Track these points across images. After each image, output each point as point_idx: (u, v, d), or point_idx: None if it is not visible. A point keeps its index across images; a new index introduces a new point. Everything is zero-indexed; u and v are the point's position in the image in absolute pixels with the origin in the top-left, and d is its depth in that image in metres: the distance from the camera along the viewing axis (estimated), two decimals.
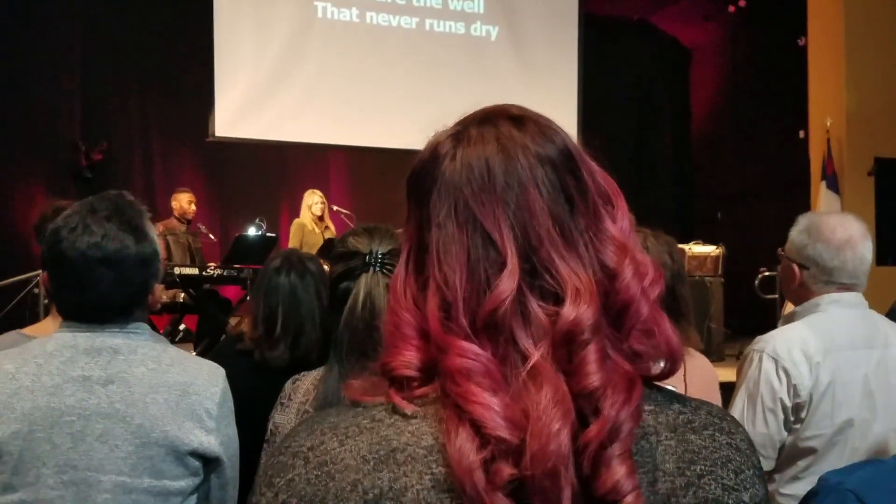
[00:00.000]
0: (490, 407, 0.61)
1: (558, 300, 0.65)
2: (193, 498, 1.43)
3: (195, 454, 1.40)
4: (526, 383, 0.62)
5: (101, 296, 1.41)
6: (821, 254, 1.94)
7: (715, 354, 6.15)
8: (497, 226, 0.67)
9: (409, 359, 0.67)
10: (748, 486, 0.68)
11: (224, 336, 2.24)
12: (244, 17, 7.89)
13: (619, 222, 0.71)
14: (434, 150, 0.72)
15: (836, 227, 1.95)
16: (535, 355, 0.63)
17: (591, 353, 0.63)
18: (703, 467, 0.67)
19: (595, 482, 0.61)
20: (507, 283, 0.64)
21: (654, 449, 0.66)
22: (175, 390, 1.40)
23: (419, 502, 0.62)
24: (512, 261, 0.65)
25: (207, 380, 1.46)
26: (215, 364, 1.53)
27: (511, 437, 0.60)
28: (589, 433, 0.61)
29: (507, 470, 0.59)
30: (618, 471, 0.61)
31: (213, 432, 1.42)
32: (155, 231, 1.50)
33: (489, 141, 0.70)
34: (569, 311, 0.64)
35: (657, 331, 0.69)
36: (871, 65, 7.28)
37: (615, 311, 0.67)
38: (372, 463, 0.64)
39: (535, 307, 0.65)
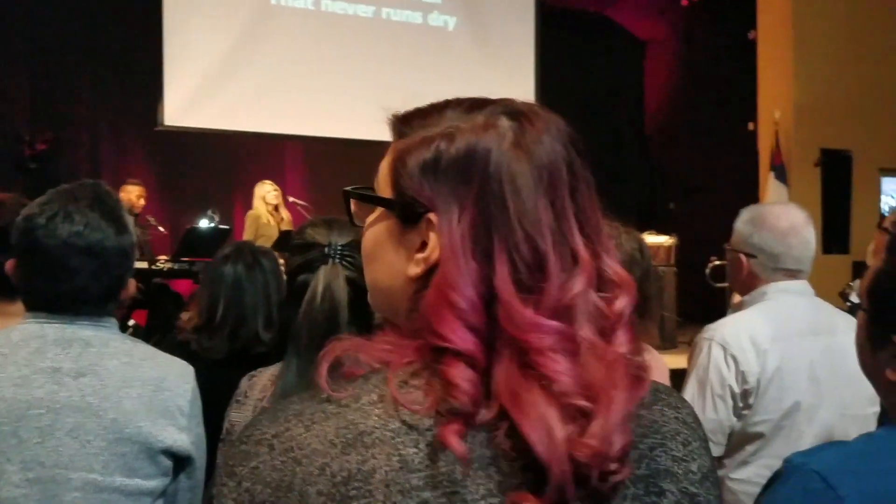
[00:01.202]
0: (572, 378, 0.64)
1: (600, 287, 0.71)
2: (162, 501, 1.38)
3: (168, 452, 1.36)
4: (592, 360, 0.66)
5: (78, 286, 1.36)
6: (766, 241, 1.99)
7: (668, 342, 6.26)
8: (567, 217, 0.70)
9: (463, 338, 0.66)
10: (696, 457, 0.72)
11: (175, 331, 2.18)
12: (195, 3, 7.73)
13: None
14: (490, 134, 0.71)
15: (780, 215, 2.01)
16: (594, 337, 0.68)
17: (628, 335, 0.70)
18: (654, 440, 0.71)
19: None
20: (585, 277, 0.69)
21: None
22: (149, 385, 1.36)
23: (388, 483, 0.62)
24: (583, 253, 0.70)
25: (179, 377, 1.42)
26: (184, 361, 1.49)
27: (588, 406, 0.64)
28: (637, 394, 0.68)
29: (589, 440, 0.62)
30: (625, 436, 0.65)
31: (186, 430, 1.38)
32: (132, 223, 1.46)
33: (549, 129, 0.73)
34: (623, 300, 0.71)
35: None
36: (819, 59, 7.45)
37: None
38: (339, 446, 0.64)
39: (594, 296, 0.70)
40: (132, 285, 1.51)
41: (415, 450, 0.63)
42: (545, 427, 0.62)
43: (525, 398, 0.63)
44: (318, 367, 0.69)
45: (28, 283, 1.40)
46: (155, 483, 1.35)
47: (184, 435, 1.38)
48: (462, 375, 0.65)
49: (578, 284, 0.68)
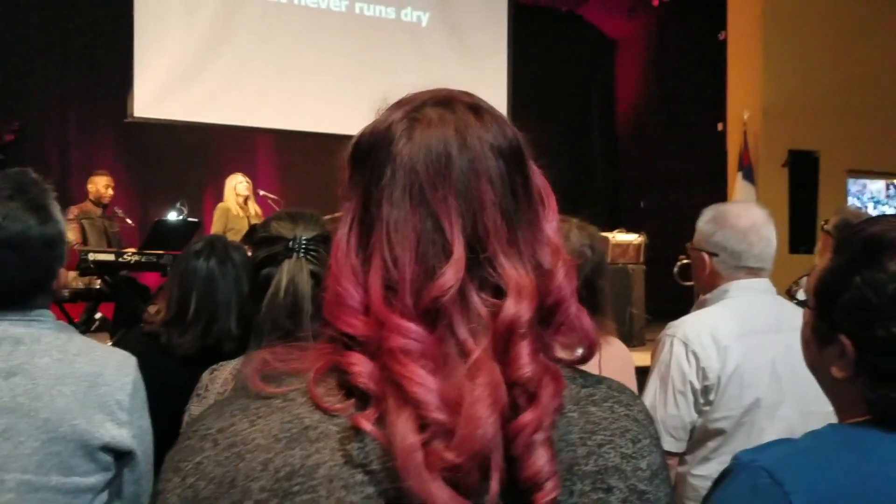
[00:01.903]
0: (430, 388, 0.62)
1: (497, 292, 0.67)
2: (105, 494, 1.36)
3: (107, 448, 1.33)
4: (462, 370, 0.64)
5: (3, 281, 1.32)
6: (728, 238, 2.01)
7: (636, 339, 6.30)
8: (448, 213, 0.68)
9: (353, 325, 0.66)
10: (645, 454, 0.72)
11: (142, 324, 2.14)
12: None
13: (552, 223, 0.74)
14: (389, 127, 0.71)
15: (741, 214, 2.04)
16: (474, 345, 0.65)
17: (525, 346, 0.65)
18: (603, 437, 0.70)
19: (521, 466, 0.63)
20: (453, 274, 0.66)
21: (559, 421, 0.69)
22: (83, 381, 1.33)
23: (331, 479, 0.62)
24: (458, 251, 0.66)
25: (118, 370, 1.38)
26: (126, 353, 1.46)
27: (446, 420, 0.61)
28: (523, 419, 0.63)
29: (443, 452, 0.60)
30: (542, 456, 0.63)
31: (126, 425, 1.36)
32: (60, 211, 1.40)
33: (448, 126, 0.71)
34: (511, 306, 0.66)
35: (579, 326, 0.72)
36: (787, 60, 7.54)
37: (547, 309, 0.70)
38: (283, 441, 0.63)
39: (476, 298, 0.67)
40: (64, 275, 1.46)
41: (359, 444, 0.63)
42: (399, 434, 0.60)
43: (389, 402, 0.63)
44: (248, 370, 0.69)
45: None
46: (94, 479, 1.33)
47: (123, 430, 1.35)
48: (357, 361, 0.65)
49: (441, 287, 0.65)
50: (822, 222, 3.50)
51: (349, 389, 0.65)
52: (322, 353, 0.68)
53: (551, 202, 0.75)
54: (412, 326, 0.64)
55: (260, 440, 0.64)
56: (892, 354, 0.92)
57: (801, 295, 1.09)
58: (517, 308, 0.66)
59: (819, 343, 1.02)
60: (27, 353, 1.32)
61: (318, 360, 0.67)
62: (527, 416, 0.63)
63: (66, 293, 5.68)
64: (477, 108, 0.74)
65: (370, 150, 0.72)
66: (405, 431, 0.60)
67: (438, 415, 0.61)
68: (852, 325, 0.95)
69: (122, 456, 1.37)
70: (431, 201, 0.68)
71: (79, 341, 1.41)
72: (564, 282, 0.71)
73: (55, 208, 1.39)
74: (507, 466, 0.62)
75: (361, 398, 0.64)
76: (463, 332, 0.65)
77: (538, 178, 0.75)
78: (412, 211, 0.68)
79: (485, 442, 0.61)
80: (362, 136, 0.74)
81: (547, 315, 0.70)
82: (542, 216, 0.73)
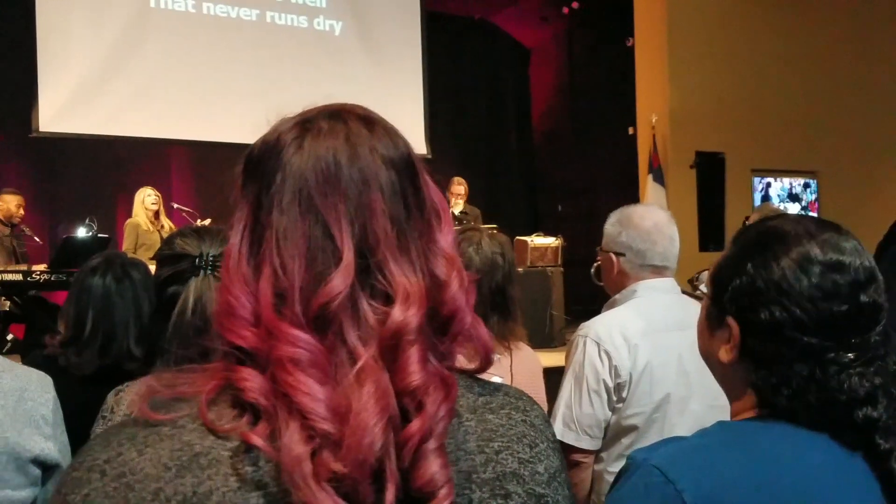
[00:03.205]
0: (317, 398, 0.61)
1: (388, 300, 0.67)
2: None
3: (36, 461, 1.34)
4: (351, 378, 0.63)
5: None
6: (633, 238, 2.07)
7: (557, 340, 6.41)
8: (337, 220, 0.67)
9: (244, 336, 0.65)
10: (542, 459, 0.73)
11: (42, 346, 2.07)
12: (70, 3, 7.39)
13: (447, 235, 0.74)
14: (279, 136, 0.72)
15: (644, 214, 2.10)
16: (363, 352, 0.65)
17: (414, 354, 0.65)
18: (500, 444, 0.71)
19: (412, 475, 0.63)
20: (341, 279, 0.65)
21: (456, 430, 0.70)
22: (11, 396, 1.33)
23: None
24: (348, 257, 0.66)
25: (39, 386, 1.40)
26: (42, 372, 1.46)
27: (333, 430, 0.61)
28: (411, 428, 0.63)
29: (331, 462, 0.60)
30: (434, 463, 0.63)
31: (52, 439, 1.37)
32: None
33: (338, 136, 0.71)
34: (398, 312, 0.66)
35: (475, 335, 0.73)
36: (692, 65, 7.80)
37: (442, 318, 0.70)
38: (174, 470, 0.62)
39: (366, 305, 0.67)
40: None
41: (253, 468, 0.62)
42: (286, 446, 0.60)
43: (279, 414, 0.62)
44: (136, 397, 0.67)
45: None
46: (25, 493, 1.33)
47: (50, 443, 1.37)
48: (248, 376, 0.64)
49: (329, 293, 0.65)
50: (745, 218, 3.63)
51: (242, 407, 0.64)
52: (213, 372, 0.67)
53: (446, 216, 0.76)
54: (301, 335, 0.64)
55: (149, 469, 0.62)
56: (770, 339, 0.96)
57: (703, 287, 1.14)
58: (404, 315, 0.66)
59: (710, 328, 1.06)
60: None
61: (209, 381, 0.66)
62: (414, 425, 0.63)
63: None
64: (368, 119, 0.74)
65: (261, 159, 0.72)
66: (292, 443, 0.60)
67: (325, 425, 0.61)
68: (739, 309, 0.99)
69: (48, 469, 1.38)
70: (321, 208, 0.68)
71: (0, 359, 1.41)
72: (459, 292, 0.71)
73: None
74: (402, 476, 0.62)
75: (254, 414, 0.64)
76: (353, 339, 0.65)
77: (433, 192, 0.76)
78: (301, 218, 0.68)
79: (372, 451, 0.61)
80: (254, 146, 0.74)
81: (442, 325, 0.70)
82: (435, 227, 0.74)
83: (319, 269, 0.66)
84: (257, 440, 0.62)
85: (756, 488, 0.89)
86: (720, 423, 1.00)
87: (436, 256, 0.72)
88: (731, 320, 1.00)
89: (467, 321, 0.71)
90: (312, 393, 0.62)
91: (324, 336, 0.65)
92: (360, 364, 0.64)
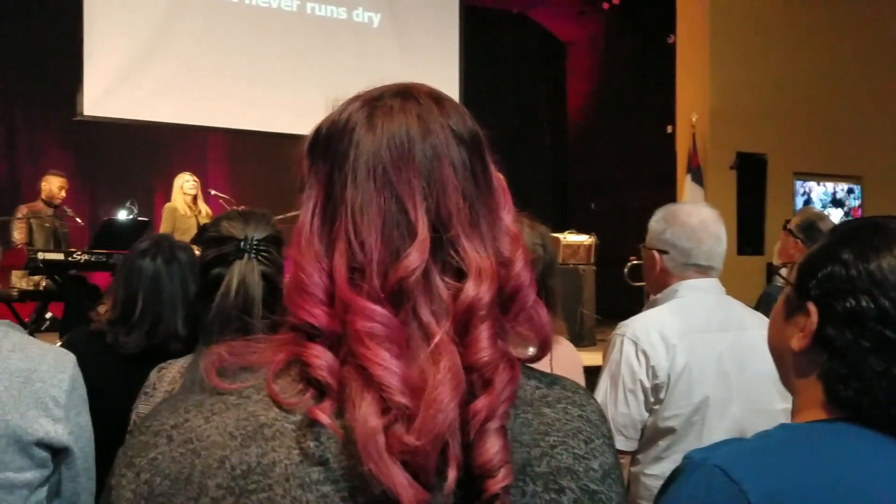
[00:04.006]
0: (393, 371, 0.62)
1: (459, 276, 0.68)
2: (43, 490, 1.36)
3: (41, 444, 1.33)
4: (426, 353, 0.64)
5: None
6: (678, 236, 2.03)
7: (587, 339, 6.36)
8: (411, 196, 0.68)
9: (315, 314, 0.66)
10: (597, 455, 0.73)
11: (88, 323, 2.12)
12: None
13: (510, 213, 0.75)
14: (349, 115, 0.72)
15: (691, 212, 2.06)
16: (437, 328, 0.65)
17: (485, 330, 0.66)
18: (555, 438, 0.71)
19: (473, 453, 0.63)
20: (418, 254, 0.66)
21: (513, 422, 0.69)
22: (17, 377, 1.32)
23: (288, 477, 0.62)
24: (423, 231, 0.67)
25: (53, 366, 1.38)
26: (63, 350, 1.45)
27: (409, 403, 0.61)
28: (478, 404, 0.64)
29: (403, 436, 0.60)
30: (495, 444, 0.63)
31: (62, 421, 1.35)
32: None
33: (410, 113, 0.71)
34: (471, 288, 0.66)
35: (536, 318, 0.72)
36: (734, 64, 7.69)
37: (506, 296, 0.70)
38: (239, 439, 0.63)
39: (438, 280, 0.67)
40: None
41: (316, 443, 0.63)
42: (361, 417, 0.61)
43: (352, 386, 0.63)
44: (206, 365, 0.68)
45: None
46: (29, 475, 1.32)
47: (59, 426, 1.35)
48: (318, 353, 0.65)
49: (406, 268, 0.65)
50: (785, 221, 3.59)
51: (307, 382, 0.65)
52: (282, 345, 0.67)
53: (507, 197, 0.76)
54: (378, 309, 0.64)
55: (216, 437, 0.63)
56: (850, 329, 0.95)
57: (783, 272, 1.13)
58: (478, 290, 0.66)
59: (785, 314, 1.04)
60: None
61: (277, 353, 0.67)
62: (481, 402, 0.64)
63: (14, 293, 5.58)
64: (437, 96, 0.75)
65: (330, 139, 0.72)
66: (367, 414, 0.61)
67: (401, 398, 0.61)
68: (823, 294, 0.98)
69: (58, 453, 1.37)
70: (395, 183, 0.68)
71: (15, 338, 1.40)
72: (523, 270, 0.71)
73: None
74: (462, 453, 0.63)
75: (320, 391, 0.64)
76: (426, 314, 0.66)
77: (495, 171, 0.77)
78: (377, 193, 0.68)
79: (445, 427, 0.61)
80: (321, 127, 0.74)
81: (505, 302, 0.70)
82: (501, 205, 0.74)
83: (395, 245, 0.67)
84: (323, 417, 0.62)
85: (820, 491, 0.88)
86: (783, 426, 0.98)
87: (501, 233, 0.72)
88: (810, 305, 0.99)
89: (530, 299, 0.72)
90: (388, 366, 0.62)
91: (398, 310, 0.65)
92: (435, 340, 0.64)
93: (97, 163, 7.96)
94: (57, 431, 1.34)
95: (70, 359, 1.42)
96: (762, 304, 3.13)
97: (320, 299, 0.67)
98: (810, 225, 3.36)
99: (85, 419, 1.43)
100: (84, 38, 7.37)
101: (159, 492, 0.63)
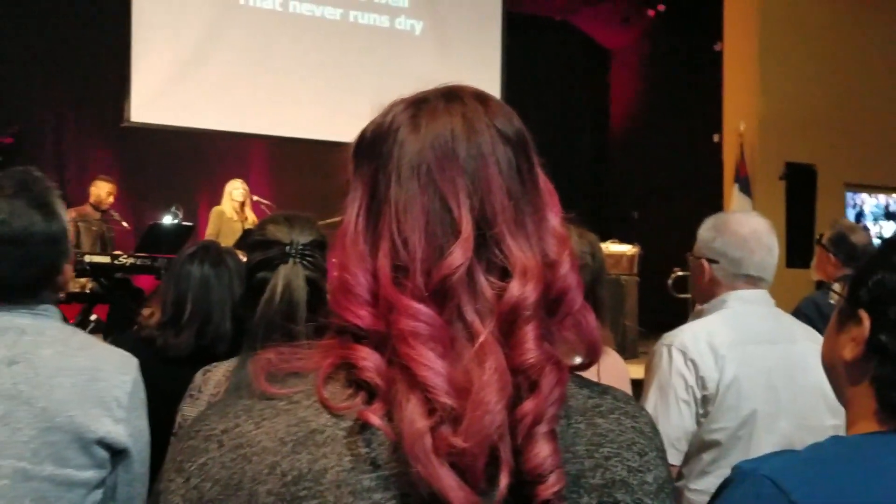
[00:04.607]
0: (439, 372, 0.61)
1: (504, 275, 0.67)
2: (99, 492, 1.36)
3: (102, 443, 1.34)
4: (471, 354, 0.63)
5: (6, 275, 1.34)
6: (729, 245, 1.99)
7: (629, 352, 6.28)
8: (455, 194, 0.68)
9: (361, 315, 0.66)
10: (652, 468, 0.71)
11: (135, 326, 2.18)
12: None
13: (557, 215, 0.74)
14: (394, 116, 0.72)
15: (743, 221, 2.02)
16: (481, 328, 0.64)
17: (531, 331, 0.65)
18: (610, 450, 0.69)
19: (523, 457, 0.62)
20: (461, 252, 0.65)
21: (566, 431, 0.68)
22: (83, 375, 1.34)
23: (339, 483, 0.61)
24: (467, 230, 0.66)
25: (118, 368, 1.39)
26: (128, 353, 1.47)
27: (455, 404, 0.60)
28: (525, 407, 0.62)
29: (450, 437, 0.59)
30: (544, 448, 0.62)
31: (123, 422, 1.36)
32: (63, 208, 1.45)
33: (455, 113, 0.71)
34: (516, 287, 0.65)
35: (584, 323, 0.71)
36: (784, 72, 7.56)
37: (552, 298, 0.69)
38: (290, 445, 0.62)
39: (482, 279, 0.66)
40: (69, 272, 1.48)
41: (367, 448, 0.62)
42: (407, 419, 0.60)
43: (398, 387, 0.62)
44: (255, 370, 0.68)
45: None
46: (89, 474, 1.33)
47: (120, 427, 1.36)
48: (365, 355, 0.64)
49: (450, 266, 0.65)
50: (818, 236, 3.50)
51: (357, 385, 0.64)
52: (329, 349, 0.67)
53: (554, 199, 0.76)
54: (422, 308, 0.64)
55: (266, 443, 0.63)
56: None
57: (836, 286, 1.11)
58: (522, 290, 0.65)
59: (839, 325, 1.03)
60: (31, 343, 1.34)
61: (325, 358, 0.66)
62: (528, 405, 0.63)
63: (61, 295, 5.69)
64: (483, 97, 0.75)
65: (375, 141, 0.72)
66: (414, 415, 0.60)
67: (447, 399, 0.60)
68: (874, 301, 0.97)
69: (117, 454, 1.37)
70: (439, 182, 0.68)
71: (82, 337, 1.43)
72: (570, 273, 0.70)
73: (59, 206, 1.42)
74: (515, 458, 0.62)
75: (369, 394, 0.64)
76: (470, 313, 0.65)
77: (542, 172, 0.76)
78: (421, 191, 0.68)
79: (492, 429, 0.60)
80: (366, 130, 0.74)
81: (551, 305, 0.69)
82: (547, 205, 0.73)
83: (439, 243, 0.66)
84: (375, 419, 0.62)
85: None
86: (834, 438, 0.96)
87: (547, 234, 0.72)
88: (862, 313, 0.97)
89: (577, 302, 0.70)
90: (434, 367, 0.61)
91: (442, 309, 0.65)
92: (480, 340, 0.64)
93: (142, 168, 8.10)
94: (118, 432, 1.35)
95: (134, 362, 1.44)
96: (801, 310, 3.07)
97: (365, 299, 0.66)
98: (841, 238, 3.28)
99: (144, 423, 1.44)
100: (132, 46, 7.52)
101: (209, 497, 0.62)
